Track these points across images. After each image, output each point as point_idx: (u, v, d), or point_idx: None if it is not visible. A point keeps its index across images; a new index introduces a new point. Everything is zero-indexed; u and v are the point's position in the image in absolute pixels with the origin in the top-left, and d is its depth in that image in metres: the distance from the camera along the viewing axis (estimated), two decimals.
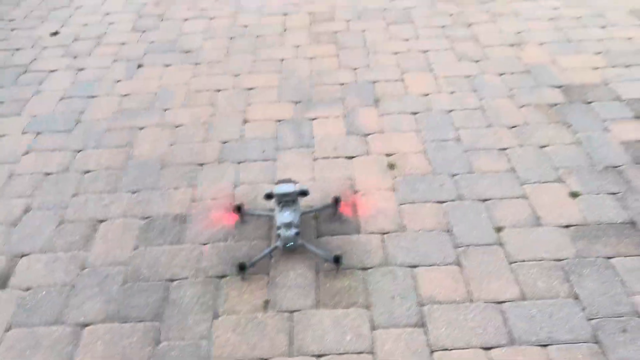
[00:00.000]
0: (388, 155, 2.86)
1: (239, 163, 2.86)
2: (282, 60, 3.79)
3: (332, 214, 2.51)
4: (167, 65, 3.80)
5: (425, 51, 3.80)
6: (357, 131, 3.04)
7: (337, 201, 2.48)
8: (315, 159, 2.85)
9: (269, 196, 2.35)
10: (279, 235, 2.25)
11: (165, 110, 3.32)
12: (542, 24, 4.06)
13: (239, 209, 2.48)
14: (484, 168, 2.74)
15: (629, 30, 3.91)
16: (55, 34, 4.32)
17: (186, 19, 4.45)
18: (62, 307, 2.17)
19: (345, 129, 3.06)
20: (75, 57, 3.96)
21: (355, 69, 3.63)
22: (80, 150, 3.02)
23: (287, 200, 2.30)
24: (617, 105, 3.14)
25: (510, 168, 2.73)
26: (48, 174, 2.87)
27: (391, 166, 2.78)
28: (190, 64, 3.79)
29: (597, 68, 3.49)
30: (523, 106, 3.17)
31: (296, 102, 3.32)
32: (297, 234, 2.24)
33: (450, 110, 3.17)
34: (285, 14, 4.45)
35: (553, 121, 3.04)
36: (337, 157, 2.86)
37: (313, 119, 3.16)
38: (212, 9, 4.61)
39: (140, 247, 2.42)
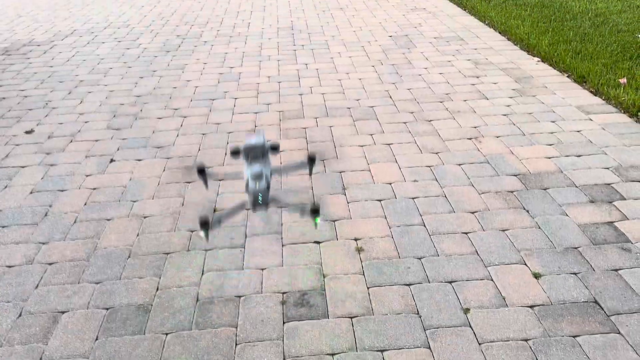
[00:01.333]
0: (356, 239, 2.90)
1: (207, 251, 2.86)
2: None
3: (308, 173, 2.22)
4: (139, 160, 3.88)
5: (389, 144, 3.99)
6: (325, 217, 3.10)
7: (312, 159, 2.24)
8: (283, 245, 2.88)
9: (235, 152, 2.09)
10: (247, 191, 1.95)
11: (135, 202, 3.35)
12: (498, 119, 4.34)
13: (201, 171, 2.19)
14: (448, 251, 2.79)
15: (578, 124, 4.20)
16: (30, 132, 4.42)
17: (160, 118, 4.61)
18: None
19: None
20: (47, 154, 4.02)
21: (323, 160, 3.77)
22: (46, 243, 2.99)
23: (256, 154, 2.05)
24: (572, 191, 3.30)
25: (473, 251, 2.79)
26: (10, 266, 2.81)
27: (359, 250, 2.82)
28: (162, 159, 3.89)
29: (551, 157, 3.70)
30: (483, 193, 3.31)
31: None
32: (268, 187, 1.94)
33: (415, 197, 3.28)
34: (256, 113, 4.67)
35: (512, 206, 3.16)
36: (305, 243, 2.89)
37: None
38: (185, 108, 4.81)
39: (101, 338, 2.34)
